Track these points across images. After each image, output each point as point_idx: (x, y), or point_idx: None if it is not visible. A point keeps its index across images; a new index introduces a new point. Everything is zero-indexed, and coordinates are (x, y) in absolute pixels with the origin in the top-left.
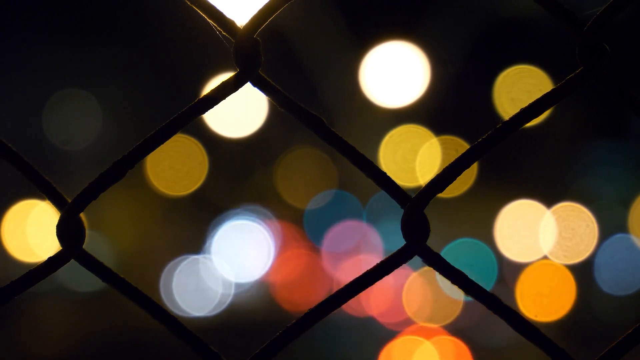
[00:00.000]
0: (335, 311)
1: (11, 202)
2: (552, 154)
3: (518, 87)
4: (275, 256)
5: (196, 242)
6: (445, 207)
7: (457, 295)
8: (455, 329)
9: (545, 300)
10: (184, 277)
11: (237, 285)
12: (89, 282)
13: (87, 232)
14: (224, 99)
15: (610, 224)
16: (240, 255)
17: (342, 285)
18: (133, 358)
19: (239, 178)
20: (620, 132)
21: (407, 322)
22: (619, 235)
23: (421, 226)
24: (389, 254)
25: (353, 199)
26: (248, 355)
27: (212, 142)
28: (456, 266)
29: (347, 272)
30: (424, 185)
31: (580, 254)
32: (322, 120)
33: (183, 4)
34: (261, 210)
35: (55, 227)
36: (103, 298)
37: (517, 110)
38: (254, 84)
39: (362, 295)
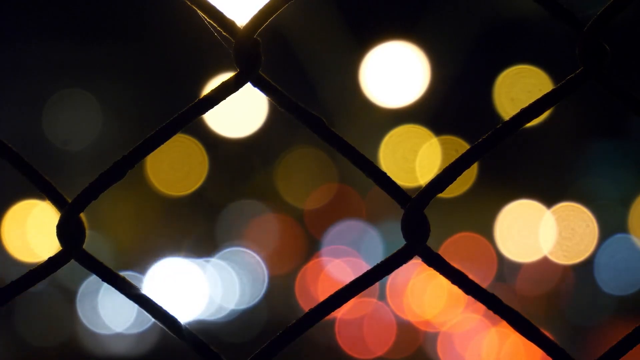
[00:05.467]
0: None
1: (11, 202)
2: (552, 154)
3: (518, 87)
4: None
5: (196, 242)
6: (445, 207)
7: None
8: None
9: None
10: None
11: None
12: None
13: (87, 232)
14: (224, 99)
15: (610, 224)
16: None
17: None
18: (132, 358)
19: (239, 178)
20: (620, 132)
21: None
22: (619, 235)
23: (421, 226)
24: (389, 254)
25: (353, 198)
26: (248, 355)
27: (212, 142)
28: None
29: (347, 272)
30: (424, 186)
31: (580, 254)
32: (322, 120)
33: (183, 4)
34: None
35: (55, 227)
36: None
37: (517, 110)
38: (254, 84)
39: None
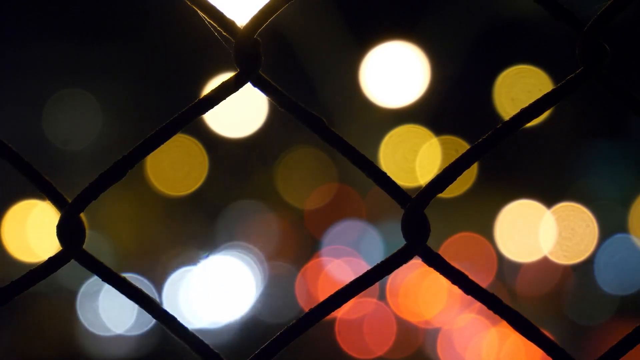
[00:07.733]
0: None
1: (11, 202)
2: (552, 154)
3: (518, 87)
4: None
5: (196, 242)
6: (445, 207)
7: None
8: None
9: None
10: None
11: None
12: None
13: (87, 232)
14: (224, 99)
15: (610, 224)
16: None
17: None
18: (133, 358)
19: (239, 178)
20: (620, 132)
21: None
22: (619, 235)
23: (421, 226)
24: (389, 254)
25: (353, 198)
26: (248, 355)
27: (212, 142)
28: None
29: (347, 272)
30: (424, 186)
31: (580, 254)
32: (322, 120)
33: (183, 3)
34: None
35: (55, 227)
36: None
37: (517, 111)
38: (254, 84)
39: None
